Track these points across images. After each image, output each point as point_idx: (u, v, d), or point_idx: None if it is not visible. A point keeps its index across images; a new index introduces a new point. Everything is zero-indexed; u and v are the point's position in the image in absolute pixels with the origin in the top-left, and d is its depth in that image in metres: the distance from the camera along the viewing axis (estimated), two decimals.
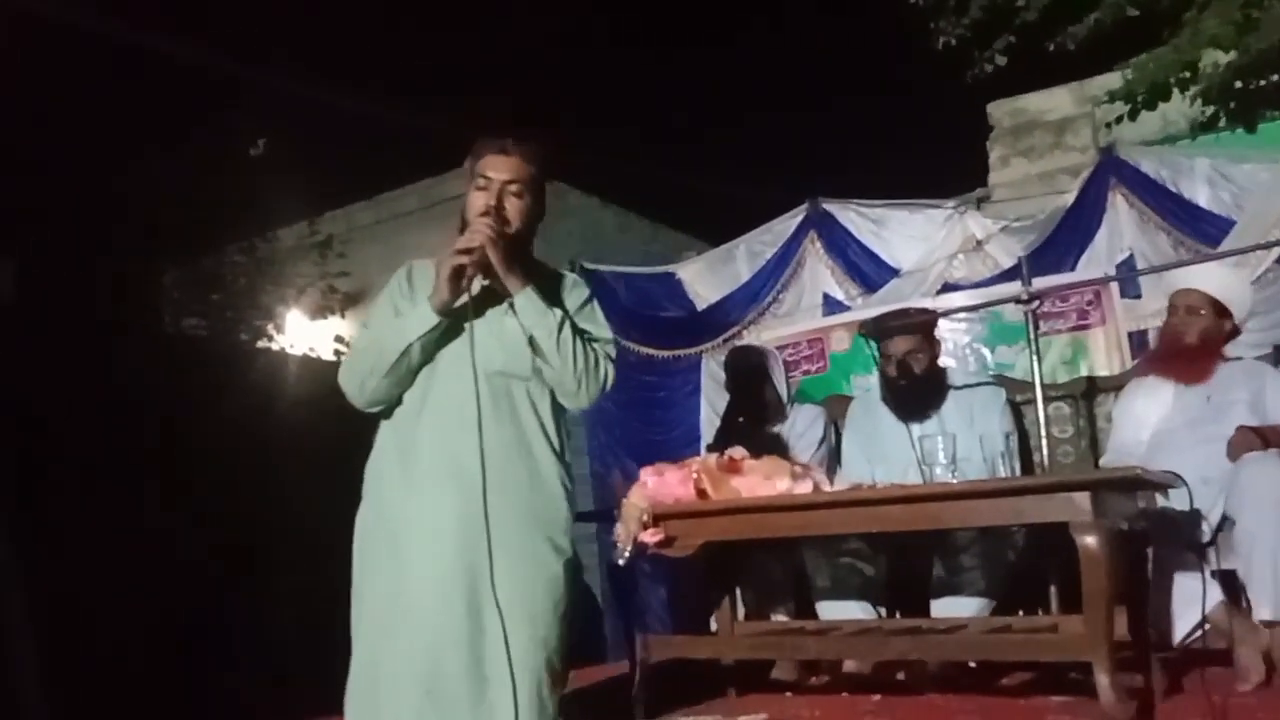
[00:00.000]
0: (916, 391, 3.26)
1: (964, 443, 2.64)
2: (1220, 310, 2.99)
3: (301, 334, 7.36)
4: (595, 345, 2.25)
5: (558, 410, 2.27)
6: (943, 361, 3.48)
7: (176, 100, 5.85)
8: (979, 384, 3.43)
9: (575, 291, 2.34)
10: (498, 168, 2.20)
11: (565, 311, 2.21)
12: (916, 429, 3.09)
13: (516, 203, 2.21)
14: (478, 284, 2.20)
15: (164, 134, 5.67)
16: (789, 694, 2.91)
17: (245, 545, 4.31)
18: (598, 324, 2.34)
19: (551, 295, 2.24)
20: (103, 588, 4.01)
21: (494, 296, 2.22)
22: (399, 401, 2.23)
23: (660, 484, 2.69)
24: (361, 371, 2.21)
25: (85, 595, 3.88)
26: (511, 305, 2.19)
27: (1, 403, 3.00)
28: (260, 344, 6.72)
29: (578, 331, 2.21)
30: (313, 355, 6.57)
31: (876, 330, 3.29)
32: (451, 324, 2.20)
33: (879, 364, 3.35)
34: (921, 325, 3.34)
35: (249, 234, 6.84)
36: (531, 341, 2.17)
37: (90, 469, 4.20)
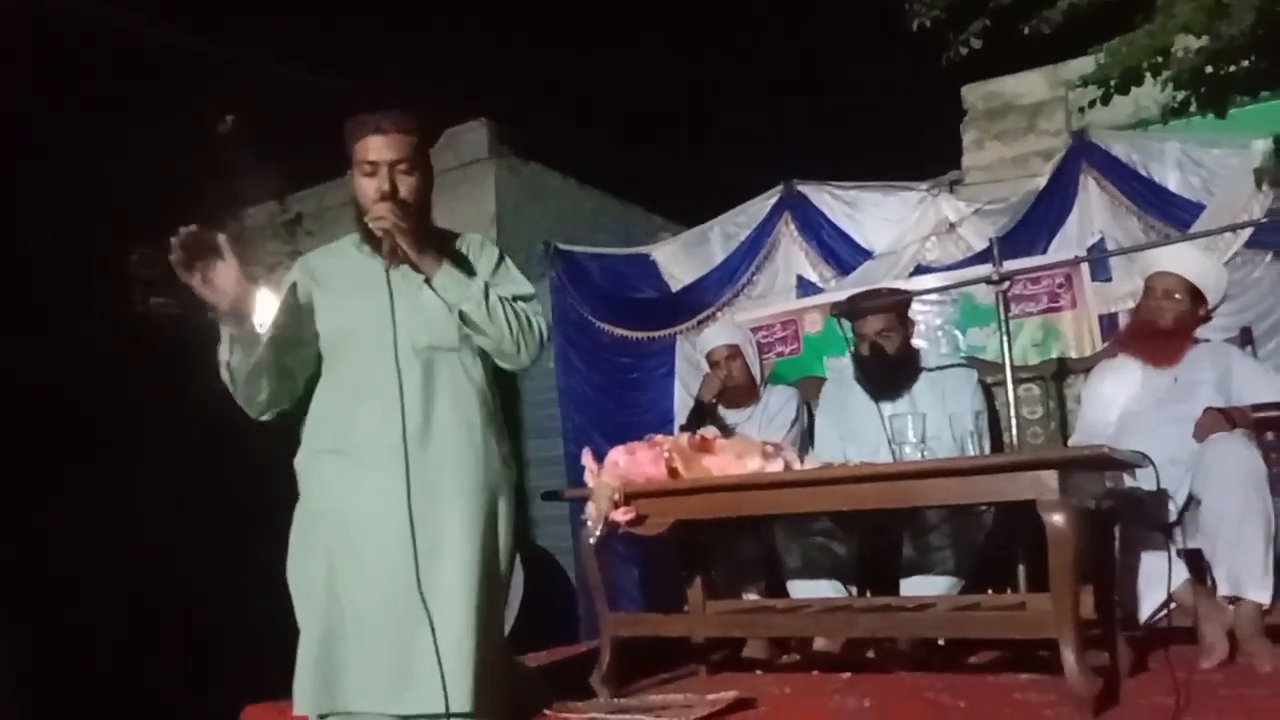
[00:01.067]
0: (888, 371, 3.28)
1: (934, 422, 2.66)
2: (1196, 295, 3.02)
3: (270, 312, 7.27)
4: (522, 304, 2.25)
5: (489, 374, 2.28)
6: (915, 343, 3.49)
7: (145, 78, 5.76)
8: (951, 365, 3.45)
9: (486, 253, 2.33)
10: (380, 150, 2.17)
11: (485, 281, 2.21)
12: (888, 408, 3.11)
13: (409, 180, 2.19)
14: (382, 264, 2.18)
15: (132, 112, 5.58)
16: (759, 672, 2.92)
17: (220, 520, 4.29)
18: (517, 281, 2.34)
19: (465, 264, 2.24)
20: (82, 567, 3.97)
21: (409, 271, 2.21)
22: (327, 390, 2.24)
23: (632, 463, 2.69)
24: (238, 397, 2.25)
25: (62, 576, 3.85)
26: (428, 281, 2.17)
27: None
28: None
29: (502, 297, 2.21)
30: None
31: (849, 310, 3.30)
32: (368, 307, 2.18)
33: (852, 344, 3.36)
34: (894, 305, 3.35)
35: (218, 212, 6.75)
36: (462, 316, 2.17)
37: (66, 449, 4.16)
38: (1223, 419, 2.72)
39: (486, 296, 2.17)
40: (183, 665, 4.23)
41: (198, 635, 4.30)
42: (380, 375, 2.16)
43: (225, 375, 2.20)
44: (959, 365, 3.46)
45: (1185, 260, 3.07)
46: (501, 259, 2.35)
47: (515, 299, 2.25)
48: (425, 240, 2.19)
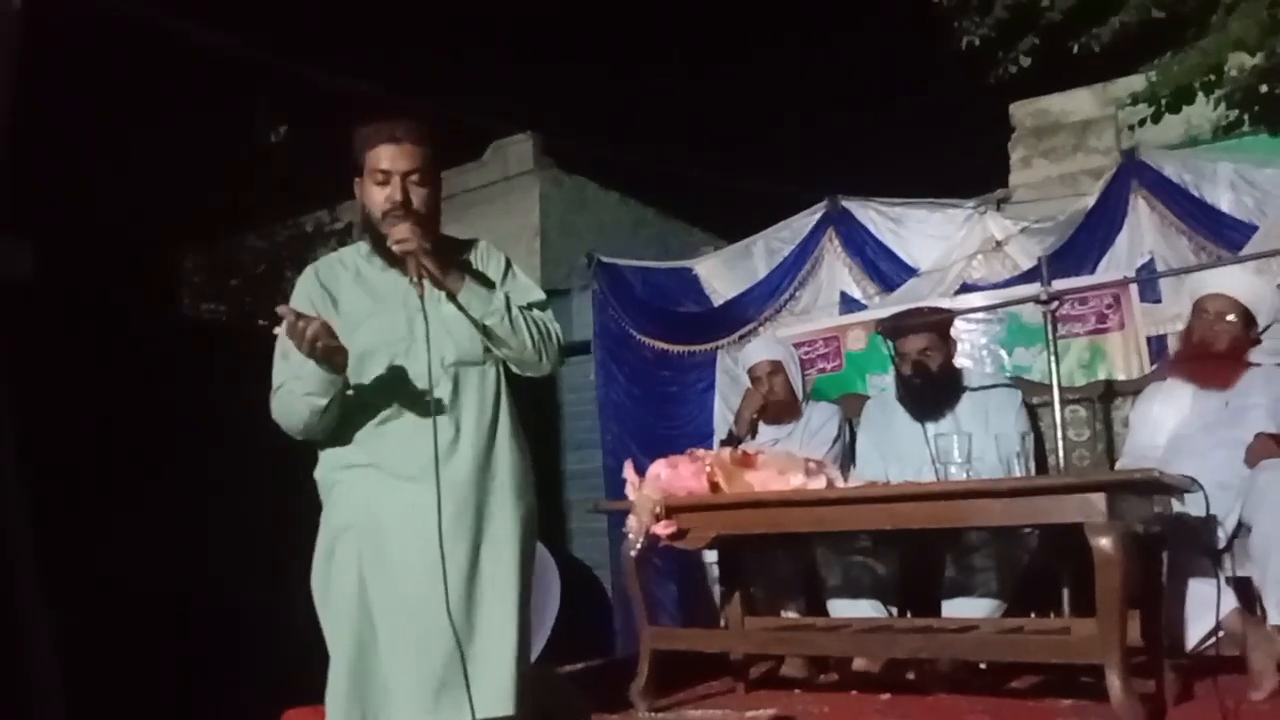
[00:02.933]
0: (931, 390, 3.26)
1: (979, 443, 2.64)
2: (1248, 317, 2.98)
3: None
4: (538, 312, 2.24)
5: (510, 384, 2.27)
6: (959, 362, 3.47)
7: (199, 86, 5.87)
8: (995, 385, 3.42)
9: (494, 260, 2.31)
10: (394, 159, 2.14)
11: (504, 292, 2.20)
12: (931, 428, 3.08)
13: (421, 192, 2.16)
14: (410, 281, 2.12)
15: (186, 119, 5.69)
16: (798, 691, 2.91)
17: (263, 529, 4.33)
18: (528, 287, 2.32)
19: (481, 276, 2.21)
20: (121, 572, 4.04)
21: (428, 287, 2.16)
22: (357, 406, 2.18)
23: (673, 476, 2.70)
24: (291, 423, 2.15)
25: (102, 580, 3.91)
26: (451, 298, 2.14)
27: (19, 385, 3.03)
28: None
29: (520, 308, 2.19)
30: None
31: (892, 329, 3.28)
32: (396, 323, 2.16)
33: (894, 362, 3.35)
34: (937, 324, 3.33)
35: (269, 220, 6.87)
36: (486, 331, 2.16)
37: (108, 452, 4.23)
38: (1275, 445, 2.67)
39: (509, 309, 2.18)
40: (226, 668, 4.27)
41: (243, 639, 4.35)
42: (408, 392, 2.16)
43: (305, 416, 2.12)
44: (1003, 385, 3.43)
45: (1238, 282, 3.02)
46: (509, 266, 2.33)
47: (530, 306, 2.26)
48: (445, 258, 2.18)
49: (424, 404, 2.12)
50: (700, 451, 2.83)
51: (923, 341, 3.27)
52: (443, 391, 2.14)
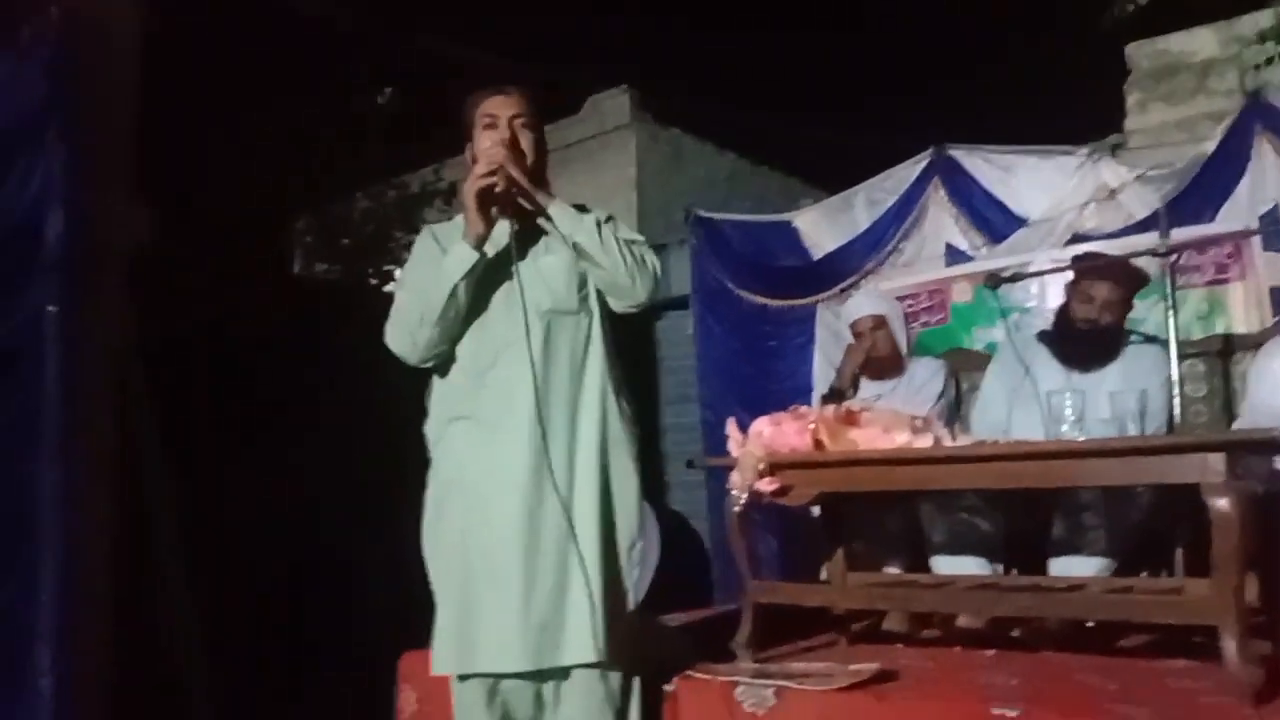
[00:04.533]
0: (1092, 343, 3.18)
1: (1094, 400, 2.58)
2: None
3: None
4: (634, 243, 2.29)
5: (609, 336, 2.33)
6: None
7: (307, 50, 6.01)
8: (1146, 342, 3.31)
9: (596, 210, 2.37)
10: (501, 105, 2.26)
11: (597, 217, 2.26)
12: (1076, 379, 3.02)
13: (527, 134, 2.27)
14: (509, 229, 2.24)
15: (295, 84, 5.83)
16: (900, 645, 2.92)
17: (374, 484, 4.50)
18: (627, 230, 2.37)
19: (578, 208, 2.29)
20: (239, 526, 4.24)
21: (528, 239, 2.28)
22: (452, 357, 2.29)
23: (777, 434, 2.71)
24: (411, 325, 2.25)
25: (224, 533, 4.11)
26: (548, 220, 2.23)
27: (142, 347, 3.20)
28: (388, 288, 6.93)
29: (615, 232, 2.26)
30: None
31: (1088, 268, 3.18)
32: (492, 272, 2.24)
33: (1068, 298, 3.26)
34: (1131, 275, 3.24)
35: (377, 181, 7.02)
36: (577, 248, 2.21)
37: (228, 411, 4.42)
38: None
39: (600, 227, 2.22)
40: (343, 615, 4.47)
41: (358, 587, 4.53)
42: (505, 340, 2.23)
43: (440, 306, 2.21)
44: (1154, 343, 3.30)
45: None
46: (611, 218, 2.39)
47: (628, 242, 2.30)
48: (538, 182, 2.25)
49: (519, 354, 2.19)
50: (804, 409, 2.84)
51: (1108, 291, 3.18)
52: (535, 340, 2.20)
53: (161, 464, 3.20)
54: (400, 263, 7.26)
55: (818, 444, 2.65)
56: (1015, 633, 2.86)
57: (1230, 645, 2.02)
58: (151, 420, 3.22)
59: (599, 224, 2.24)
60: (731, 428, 2.84)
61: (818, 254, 5.29)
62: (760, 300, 5.29)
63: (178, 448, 3.52)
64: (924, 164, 4.94)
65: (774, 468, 2.63)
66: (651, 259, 2.31)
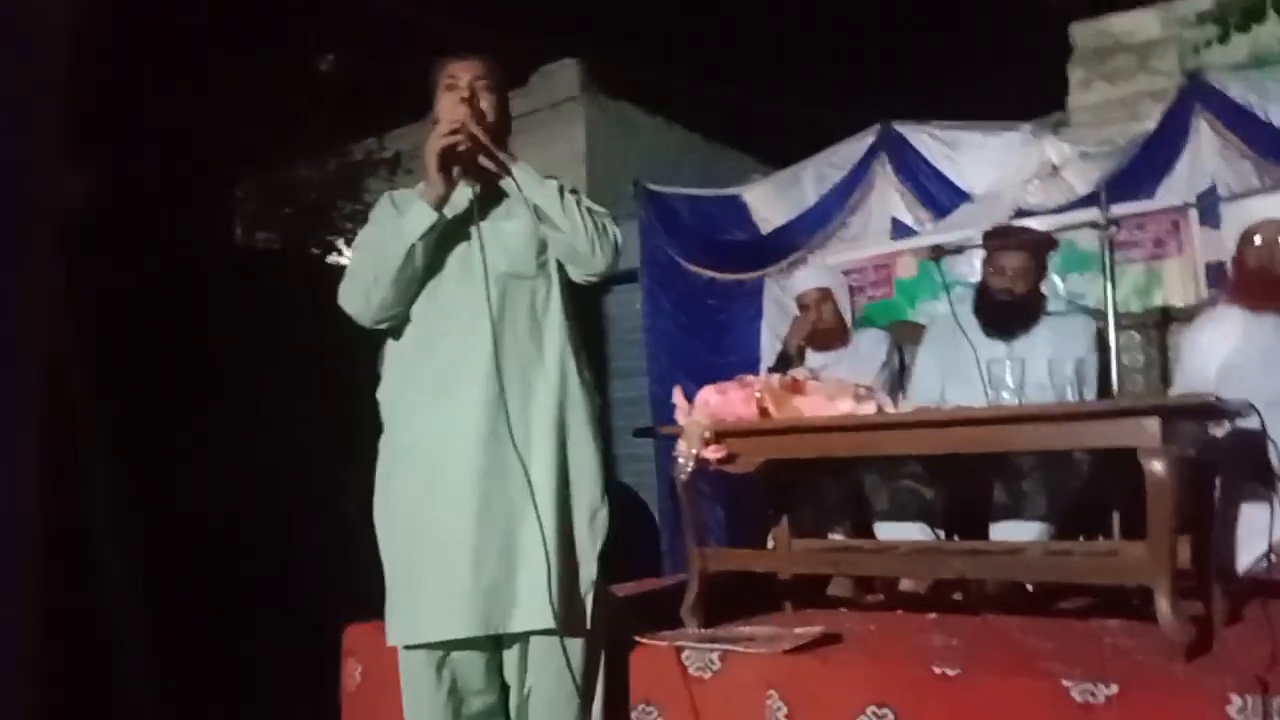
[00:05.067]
0: (1012, 312, 3.24)
1: (1041, 369, 2.62)
2: None
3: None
4: (596, 210, 2.29)
5: (567, 304, 2.31)
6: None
7: (247, 11, 5.87)
8: (1071, 313, 3.37)
9: (561, 179, 2.36)
10: (463, 68, 2.25)
11: (561, 184, 2.25)
12: (1001, 349, 3.07)
13: (489, 96, 2.25)
14: (470, 191, 2.23)
15: (238, 46, 5.71)
16: (844, 610, 2.96)
17: (316, 450, 4.44)
18: (590, 200, 2.36)
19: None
20: (179, 498, 4.17)
21: (490, 202, 2.26)
22: (407, 319, 2.26)
23: (723, 402, 2.71)
24: (365, 284, 2.22)
25: (164, 508, 4.04)
26: (511, 179, 2.20)
27: (75, 314, 3.12)
28: (330, 259, 6.83)
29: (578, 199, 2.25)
30: None
31: (992, 241, 3.26)
32: (451, 233, 2.22)
33: (984, 275, 3.32)
34: (1040, 243, 3.32)
35: (320, 149, 6.91)
36: (537, 211, 2.20)
37: (166, 382, 4.34)
38: None
39: (562, 194, 2.21)
40: (288, 584, 4.42)
41: (303, 556, 4.49)
42: (462, 303, 2.20)
43: (396, 265, 2.18)
44: (1079, 313, 3.37)
45: None
46: (575, 189, 2.37)
47: (590, 210, 2.29)
48: (500, 143, 2.23)
49: (477, 317, 2.17)
50: (749, 378, 2.85)
51: (1019, 260, 3.25)
52: (493, 304, 2.18)
53: (96, 435, 3.13)
54: (342, 233, 7.17)
55: (763, 412, 2.66)
56: (957, 596, 2.91)
57: (1163, 605, 2.07)
58: (85, 387, 3.15)
59: (561, 190, 2.22)
60: (678, 397, 2.84)
61: (766, 228, 5.32)
62: (709, 274, 5.31)
63: (113, 419, 3.46)
64: (871, 139, 4.98)
65: (719, 436, 2.64)
66: (613, 229, 2.30)
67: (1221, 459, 2.55)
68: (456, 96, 2.22)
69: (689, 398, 2.81)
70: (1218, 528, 2.47)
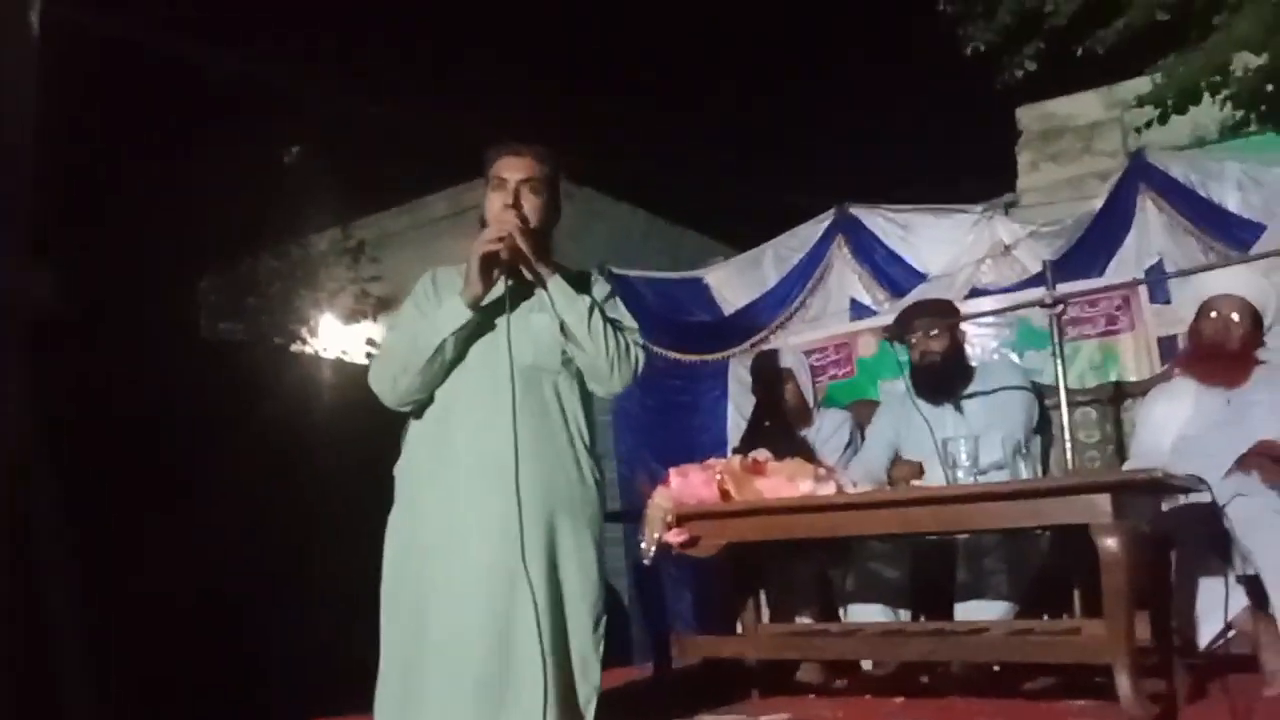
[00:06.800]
0: (941, 376, 3.29)
1: (988, 441, 2.65)
2: (1256, 317, 3.00)
3: (334, 338, 7.47)
4: (624, 332, 2.30)
5: (586, 403, 2.33)
6: (971, 353, 3.50)
7: (213, 106, 5.95)
8: (1009, 386, 3.42)
9: (599, 286, 2.40)
10: (512, 168, 2.26)
11: (593, 300, 2.27)
12: (947, 419, 3.12)
13: (534, 199, 2.26)
14: (503, 284, 2.25)
15: (200, 141, 5.77)
16: (812, 696, 2.93)
17: (283, 545, 4.38)
18: (623, 315, 2.40)
19: (578, 288, 2.29)
20: (145, 592, 4.09)
21: (521, 294, 2.28)
22: (430, 401, 2.27)
23: (684, 485, 2.72)
24: (394, 370, 2.26)
25: (127, 599, 3.96)
26: (544, 291, 2.23)
27: (45, 412, 3.09)
28: (294, 348, 6.82)
29: (607, 318, 2.27)
30: (345, 359, 6.65)
31: (899, 324, 3.32)
32: (482, 321, 2.25)
33: (908, 363, 3.38)
34: (936, 307, 3.42)
35: (283, 239, 6.95)
36: (563, 327, 2.22)
37: (131, 474, 4.28)
38: (1266, 461, 2.67)
39: (591, 312, 2.23)
40: (246, 679, 4.32)
41: (261, 649, 4.39)
42: (483, 391, 2.22)
43: (426, 356, 2.21)
44: (1017, 387, 3.42)
45: (1246, 282, 3.04)
46: (613, 294, 2.41)
47: (619, 327, 2.31)
48: (541, 252, 2.25)
49: (497, 405, 2.19)
50: (712, 460, 2.86)
51: (927, 324, 3.32)
52: (517, 393, 2.19)
53: (59, 529, 3.08)
54: (306, 321, 7.17)
55: (724, 494, 2.66)
56: (924, 679, 2.89)
57: (1124, 682, 2.07)
58: (52, 485, 3.10)
59: (592, 307, 2.24)
60: (647, 482, 2.84)
61: (729, 309, 5.38)
62: (673, 355, 5.33)
63: (79, 512, 3.40)
64: (828, 222, 5.08)
65: (681, 519, 2.64)
66: (636, 352, 2.32)
67: (1176, 533, 2.58)
68: (502, 199, 2.23)
69: (657, 480, 2.81)
70: (1176, 603, 2.48)
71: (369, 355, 6.98)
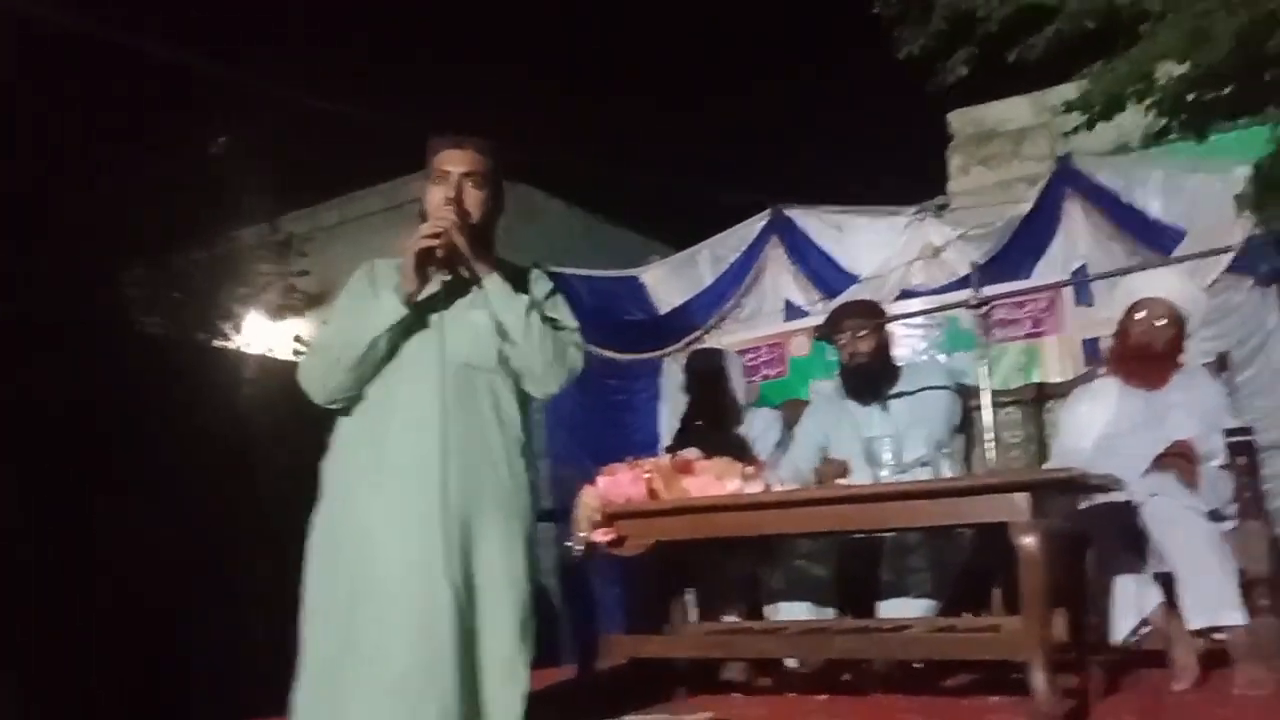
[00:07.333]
0: (868, 376, 3.32)
1: (911, 439, 2.68)
2: (1180, 320, 3.07)
3: (260, 334, 7.32)
4: (562, 332, 2.27)
5: (521, 401, 2.29)
6: (899, 355, 3.54)
7: (138, 97, 5.80)
8: (931, 386, 3.46)
9: (540, 284, 2.37)
10: (454, 161, 2.22)
11: (533, 299, 2.23)
12: (874, 416, 3.14)
13: (475, 193, 2.22)
14: (440, 280, 2.22)
15: (125, 131, 5.62)
16: (737, 694, 2.93)
17: (203, 542, 4.29)
18: (563, 314, 2.37)
19: (518, 285, 2.26)
20: (68, 590, 3.97)
21: (458, 291, 2.25)
22: (360, 398, 2.23)
23: (612, 484, 2.71)
24: (324, 366, 2.21)
25: (49, 597, 3.85)
26: (479, 288, 2.19)
27: None
28: (218, 343, 6.67)
29: (545, 318, 2.24)
30: (270, 355, 6.51)
31: (828, 325, 3.35)
32: (416, 318, 2.21)
33: (838, 361, 3.40)
34: (863, 308, 3.45)
35: (210, 233, 6.80)
36: (499, 328, 2.19)
37: (49, 474, 4.16)
38: (1179, 459, 2.74)
39: (528, 312, 2.19)
40: (178, 682, 4.23)
41: (193, 652, 4.30)
42: (416, 388, 2.18)
43: (358, 353, 2.16)
44: (940, 387, 3.46)
45: (1171, 286, 3.11)
46: (554, 292, 2.38)
47: (558, 327, 2.28)
48: (480, 248, 2.21)
49: (428, 403, 2.15)
50: (643, 459, 2.85)
51: (853, 324, 3.36)
52: (447, 392, 2.16)
53: None
54: (231, 318, 7.01)
55: (652, 493, 2.66)
56: (847, 676, 2.91)
57: (1038, 678, 2.10)
58: None
59: (530, 307, 2.20)
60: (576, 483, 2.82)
61: (664, 309, 5.38)
62: (608, 354, 5.31)
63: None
64: (763, 222, 5.11)
65: (609, 518, 2.62)
66: (572, 354, 2.30)
67: (1094, 531, 2.62)
68: (443, 193, 2.19)
69: (589, 477, 2.79)
70: (1092, 600, 2.52)
71: (296, 352, 6.85)
